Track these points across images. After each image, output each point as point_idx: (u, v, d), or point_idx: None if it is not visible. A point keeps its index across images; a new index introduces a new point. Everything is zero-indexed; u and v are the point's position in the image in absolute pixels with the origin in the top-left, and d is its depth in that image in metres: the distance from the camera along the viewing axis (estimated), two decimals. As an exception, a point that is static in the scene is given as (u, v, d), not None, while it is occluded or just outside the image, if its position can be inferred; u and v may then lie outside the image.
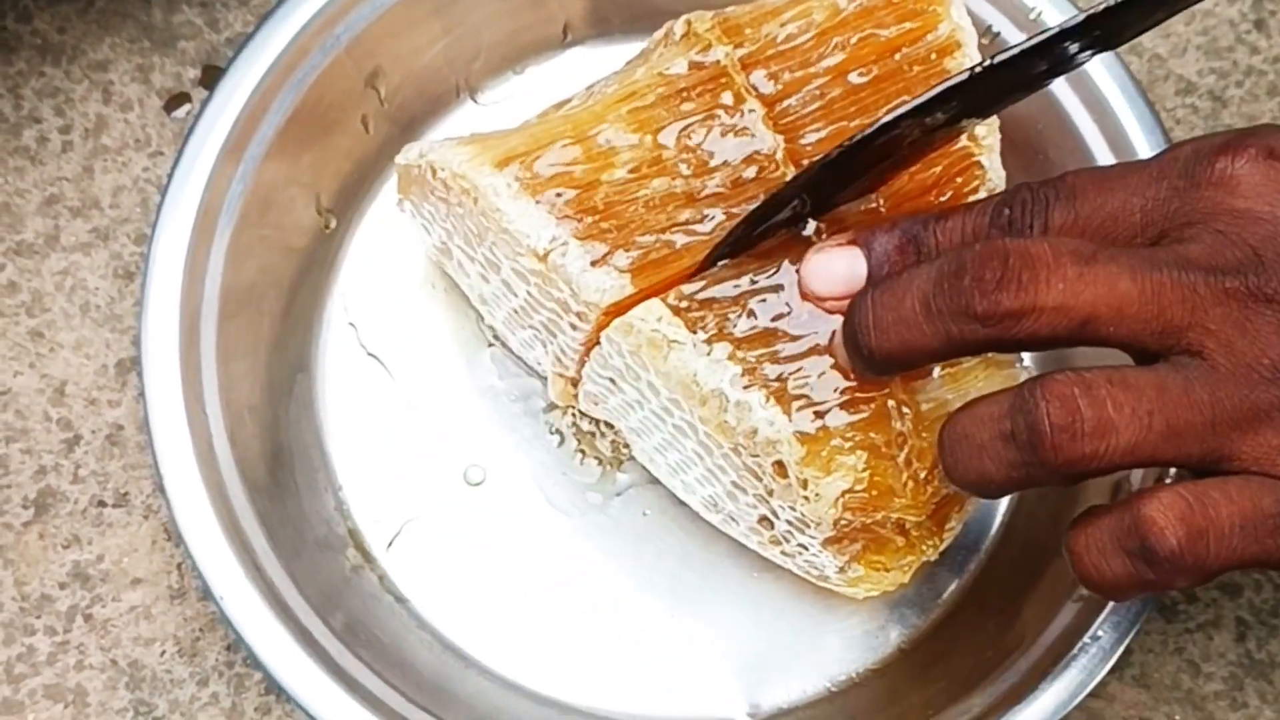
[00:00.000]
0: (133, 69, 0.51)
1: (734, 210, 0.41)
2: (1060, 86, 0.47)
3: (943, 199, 0.43)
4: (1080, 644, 0.44)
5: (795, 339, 0.40)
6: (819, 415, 0.39)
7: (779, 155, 0.42)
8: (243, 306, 0.47)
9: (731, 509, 0.43)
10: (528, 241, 0.40)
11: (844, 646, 0.48)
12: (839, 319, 0.39)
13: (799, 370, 0.39)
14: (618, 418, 0.45)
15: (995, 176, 0.44)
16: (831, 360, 0.40)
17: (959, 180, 0.43)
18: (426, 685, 0.46)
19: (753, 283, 0.41)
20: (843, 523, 0.40)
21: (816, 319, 0.40)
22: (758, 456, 0.40)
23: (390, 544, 0.49)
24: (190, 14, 0.51)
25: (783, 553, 0.43)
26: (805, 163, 0.42)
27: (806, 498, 0.39)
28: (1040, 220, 0.37)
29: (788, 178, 0.42)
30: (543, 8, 0.51)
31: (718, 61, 0.42)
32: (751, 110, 0.42)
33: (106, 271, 0.50)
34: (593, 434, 0.49)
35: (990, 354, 0.41)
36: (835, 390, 0.39)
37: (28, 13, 0.51)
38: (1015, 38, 0.48)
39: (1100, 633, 0.44)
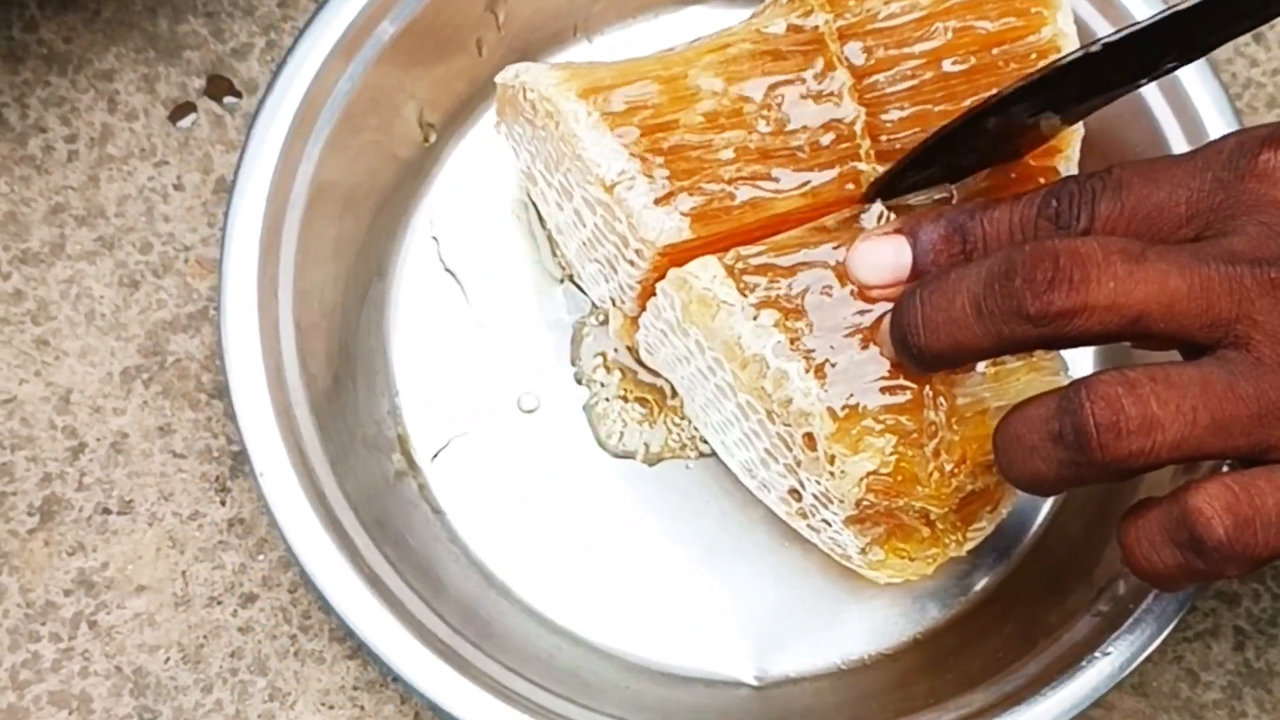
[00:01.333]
0: (138, 79, 0.51)
1: (803, 170, 0.42)
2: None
3: None
4: (1090, 658, 0.44)
5: (842, 317, 0.40)
6: (854, 394, 0.40)
7: (858, 126, 0.42)
8: (331, 203, 0.48)
9: (765, 476, 0.44)
10: (598, 171, 0.41)
11: (861, 628, 0.49)
12: (885, 303, 0.40)
13: (841, 348, 0.40)
14: (669, 369, 0.46)
15: None
16: (871, 338, 0.40)
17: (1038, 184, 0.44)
18: (447, 595, 0.47)
19: (810, 256, 0.41)
20: (865, 503, 0.40)
21: (864, 301, 0.40)
22: (790, 426, 0.40)
23: (435, 455, 0.50)
24: (196, 24, 0.51)
25: (809, 526, 0.44)
26: (884, 138, 0.43)
27: (832, 473, 0.40)
28: (1087, 212, 0.37)
29: (862, 149, 0.42)
30: None
31: (815, 27, 0.43)
32: (839, 79, 0.42)
33: (111, 280, 0.50)
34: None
35: (1035, 354, 0.41)
36: (874, 372, 0.40)
37: (34, 22, 0.51)
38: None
39: (1111, 649, 0.44)
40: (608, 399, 0.50)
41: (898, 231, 0.40)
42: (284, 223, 0.47)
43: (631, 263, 0.42)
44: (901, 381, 0.40)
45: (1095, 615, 0.45)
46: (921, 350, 0.37)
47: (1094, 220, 0.37)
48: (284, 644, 0.48)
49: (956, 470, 0.40)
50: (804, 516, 0.44)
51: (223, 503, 0.49)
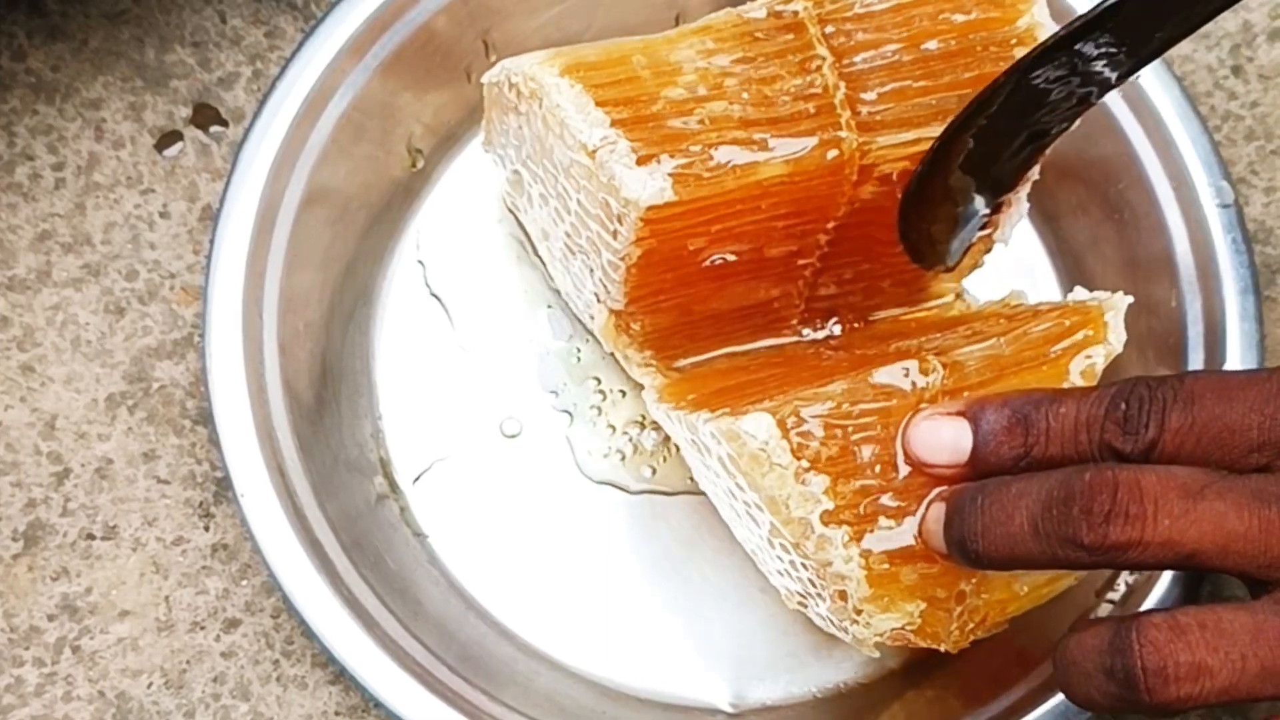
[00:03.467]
0: (125, 107, 0.51)
1: (784, 137, 0.42)
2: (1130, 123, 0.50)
3: None
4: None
5: (893, 479, 0.41)
6: (892, 561, 0.40)
7: (838, 98, 0.42)
8: (317, 226, 0.49)
9: (771, 567, 0.44)
10: (580, 136, 0.41)
11: (838, 658, 0.49)
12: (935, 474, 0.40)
13: (890, 511, 0.40)
14: (683, 445, 0.46)
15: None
16: (915, 509, 0.40)
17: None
18: (426, 618, 0.48)
19: (865, 409, 0.41)
20: (878, 641, 0.41)
21: (918, 472, 0.41)
22: (825, 580, 0.41)
23: (418, 479, 0.51)
24: (183, 54, 0.52)
25: (799, 603, 0.44)
26: (864, 110, 0.43)
27: (856, 620, 0.40)
28: (1156, 421, 0.37)
29: (843, 119, 0.42)
30: None
31: (795, 12, 0.43)
32: (821, 57, 0.43)
33: (97, 307, 0.50)
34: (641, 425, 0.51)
35: None
36: (914, 540, 0.40)
37: (22, 51, 0.52)
38: (1111, 95, 0.48)
39: None
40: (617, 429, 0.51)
41: (960, 414, 0.40)
42: (269, 246, 0.48)
43: (615, 233, 0.42)
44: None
45: None
46: (979, 556, 0.38)
47: (1163, 431, 0.37)
48: (267, 669, 0.49)
49: (976, 630, 0.41)
50: (800, 602, 0.44)
51: (206, 528, 0.49)
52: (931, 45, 0.43)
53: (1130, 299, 0.44)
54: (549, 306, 0.52)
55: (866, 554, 0.40)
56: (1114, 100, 0.49)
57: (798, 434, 0.40)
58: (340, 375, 0.51)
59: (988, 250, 0.47)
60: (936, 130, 0.43)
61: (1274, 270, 0.52)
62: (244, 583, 0.49)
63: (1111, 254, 0.51)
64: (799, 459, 0.40)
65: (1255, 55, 0.53)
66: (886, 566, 0.40)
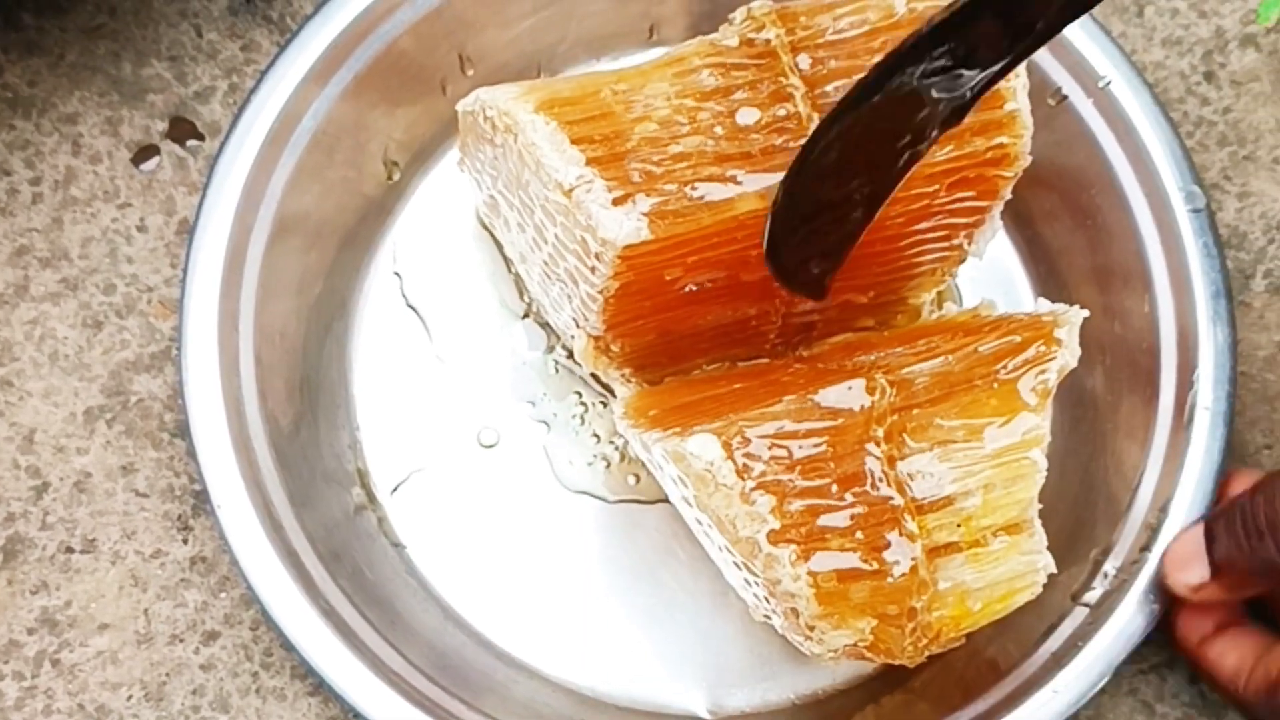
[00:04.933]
0: (102, 122, 0.52)
1: (759, 172, 0.42)
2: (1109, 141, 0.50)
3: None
4: (1038, 690, 0.45)
5: (839, 498, 0.41)
6: (843, 579, 0.40)
7: (811, 128, 0.42)
8: (294, 238, 0.49)
9: (728, 571, 0.45)
10: (556, 176, 0.41)
11: (815, 666, 0.50)
12: (880, 480, 0.41)
13: (835, 530, 0.40)
14: (645, 460, 0.46)
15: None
16: (864, 527, 0.41)
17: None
18: (404, 627, 0.48)
19: (811, 433, 0.41)
20: (833, 655, 0.41)
21: (863, 484, 0.41)
22: (776, 597, 0.41)
23: (395, 489, 0.51)
24: (159, 68, 0.52)
25: (765, 615, 0.44)
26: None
27: (809, 637, 0.41)
28: None
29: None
30: (635, 4, 0.52)
31: (768, 40, 0.43)
32: (793, 86, 0.43)
33: (75, 321, 0.50)
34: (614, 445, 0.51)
35: (1012, 531, 0.42)
36: (864, 557, 0.40)
37: (-1, 66, 0.52)
38: (1082, 102, 0.50)
39: (1058, 689, 0.45)
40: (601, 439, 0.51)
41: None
42: (246, 258, 0.48)
43: (593, 269, 0.42)
44: (891, 567, 0.41)
45: (1045, 653, 0.46)
46: None
47: None
48: (246, 681, 0.49)
49: (930, 645, 0.41)
50: (766, 615, 0.44)
51: (185, 541, 0.49)
52: None
53: (1086, 313, 0.44)
54: (525, 318, 0.52)
55: (814, 573, 0.40)
56: (1085, 107, 0.49)
57: (743, 454, 0.41)
58: (318, 387, 0.51)
59: (961, 261, 0.47)
60: None
61: (1247, 275, 0.53)
62: (222, 595, 0.49)
63: (1083, 261, 0.51)
64: (744, 479, 0.40)
65: (1227, 61, 0.54)
66: (835, 584, 0.40)
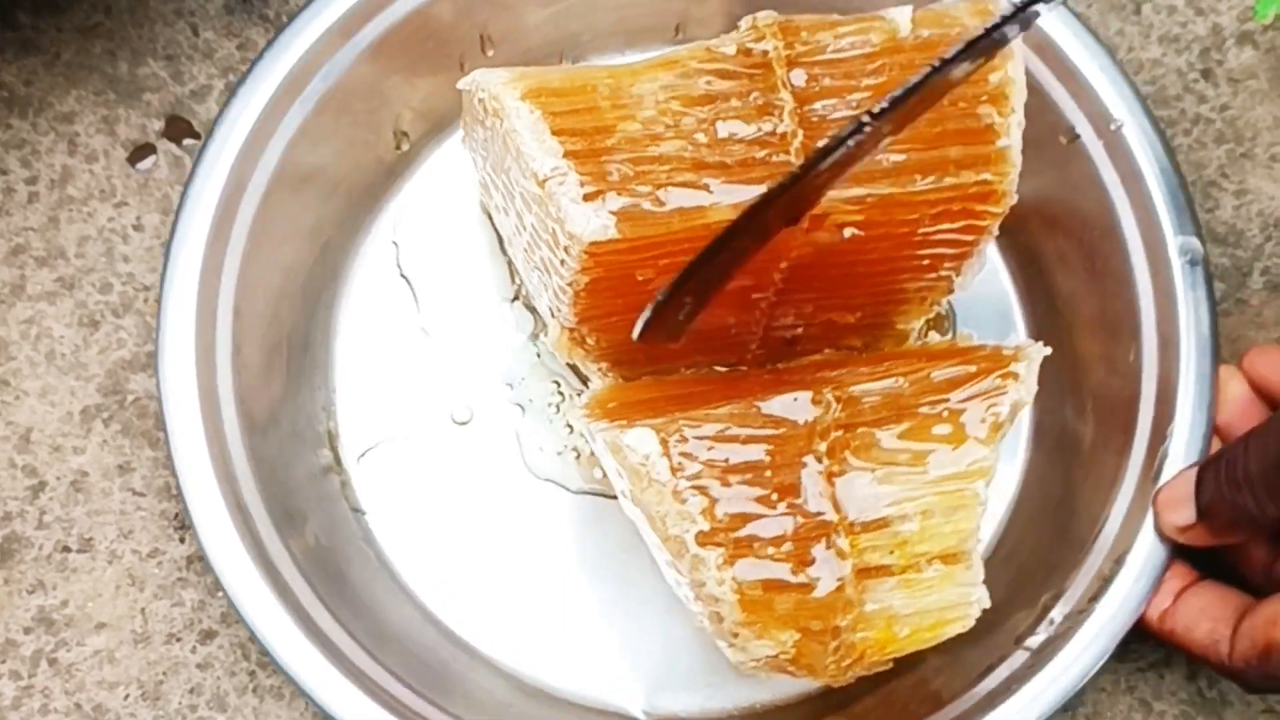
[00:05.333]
0: (98, 121, 0.52)
1: (734, 183, 0.42)
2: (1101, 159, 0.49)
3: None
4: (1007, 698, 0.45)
5: (772, 507, 0.41)
6: (767, 588, 0.40)
7: (794, 145, 0.42)
8: (294, 191, 0.49)
9: (665, 570, 0.45)
10: (533, 164, 0.41)
11: (761, 680, 0.49)
12: (816, 495, 0.41)
13: (764, 539, 0.40)
14: (596, 454, 0.46)
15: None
16: (794, 539, 0.40)
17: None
18: (347, 591, 0.48)
19: (752, 439, 0.41)
20: (755, 665, 0.41)
21: (798, 496, 0.41)
22: (702, 600, 0.41)
23: (363, 455, 0.51)
24: (155, 67, 0.52)
25: (700, 620, 0.44)
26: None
27: (733, 645, 0.41)
28: None
29: (794, 167, 0.41)
30: (673, 1, 0.52)
31: (765, 51, 0.43)
32: (781, 99, 0.42)
33: (71, 320, 0.50)
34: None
35: (948, 561, 0.42)
36: (791, 569, 0.40)
37: (-5, 65, 0.52)
38: (1094, 143, 0.49)
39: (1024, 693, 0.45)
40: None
41: None
42: (239, 208, 0.48)
43: (562, 261, 0.42)
44: (816, 582, 0.40)
45: (981, 691, 0.46)
46: None
47: None
48: (243, 680, 0.49)
49: (854, 666, 0.41)
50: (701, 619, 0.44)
51: (182, 540, 0.49)
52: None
53: (1047, 350, 0.43)
54: (515, 300, 0.52)
55: (739, 580, 0.40)
56: (1095, 148, 0.49)
57: (680, 453, 0.40)
58: (298, 345, 0.51)
59: (949, 293, 0.47)
60: (888, 188, 0.42)
61: (1244, 273, 0.53)
62: (219, 594, 0.49)
63: (1087, 308, 0.51)
64: (677, 477, 0.40)
65: (1225, 59, 0.54)
66: (760, 593, 0.40)
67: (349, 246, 0.52)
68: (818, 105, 0.43)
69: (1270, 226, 0.53)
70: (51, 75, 0.52)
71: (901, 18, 0.43)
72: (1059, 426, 0.51)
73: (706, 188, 0.41)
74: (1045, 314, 0.52)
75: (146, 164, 0.52)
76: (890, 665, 0.42)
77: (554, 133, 0.41)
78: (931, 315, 0.48)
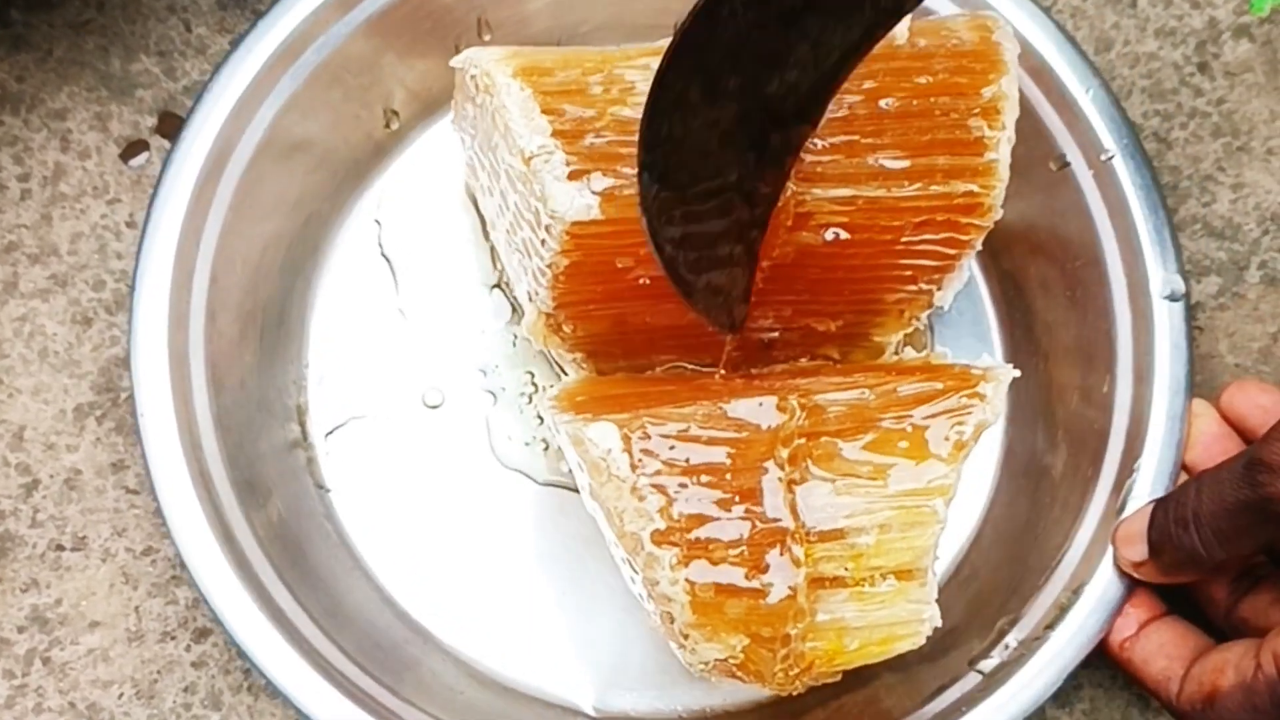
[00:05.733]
0: (91, 117, 0.51)
1: None
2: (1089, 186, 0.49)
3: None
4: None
5: (729, 511, 0.40)
6: (719, 592, 0.40)
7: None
8: (278, 163, 0.49)
9: (621, 566, 0.44)
10: (520, 142, 0.41)
11: (713, 683, 0.48)
12: (775, 501, 0.41)
13: (720, 542, 0.40)
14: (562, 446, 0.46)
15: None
16: (750, 544, 0.40)
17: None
18: (306, 567, 0.48)
19: (714, 441, 0.41)
20: (705, 668, 0.41)
21: (757, 501, 0.41)
22: (655, 599, 0.41)
23: (331, 433, 0.51)
24: (148, 63, 0.52)
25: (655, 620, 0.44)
26: (807, 158, 0.42)
27: (683, 646, 0.40)
28: None
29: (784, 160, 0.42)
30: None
31: None
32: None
33: (65, 318, 0.50)
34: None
35: (903, 577, 0.42)
36: (745, 574, 0.40)
37: (-13, 62, 0.52)
38: (1084, 173, 0.49)
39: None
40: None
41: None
42: (222, 177, 0.47)
43: (544, 242, 0.42)
44: (768, 588, 0.40)
45: (930, 712, 0.46)
46: None
47: None
48: (237, 678, 0.49)
49: (803, 675, 0.41)
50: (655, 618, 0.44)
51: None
52: (889, 103, 0.43)
53: (1016, 373, 0.43)
54: (495, 287, 0.52)
55: (692, 581, 0.40)
56: (1085, 178, 0.49)
57: (641, 449, 0.40)
58: (274, 318, 0.50)
59: (928, 307, 0.47)
60: (874, 190, 0.42)
61: (1241, 267, 0.52)
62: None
63: (1066, 336, 0.50)
64: (637, 473, 0.40)
65: (1221, 52, 0.53)
66: (712, 596, 0.40)
67: (332, 222, 0.52)
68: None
69: (1267, 220, 0.53)
70: (44, 72, 0.51)
71: (900, 26, 0.43)
72: (1029, 453, 0.51)
73: None
74: (1023, 339, 0.52)
75: (139, 160, 0.51)
76: (839, 677, 0.42)
77: (543, 111, 0.41)
78: (909, 330, 0.48)
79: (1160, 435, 0.47)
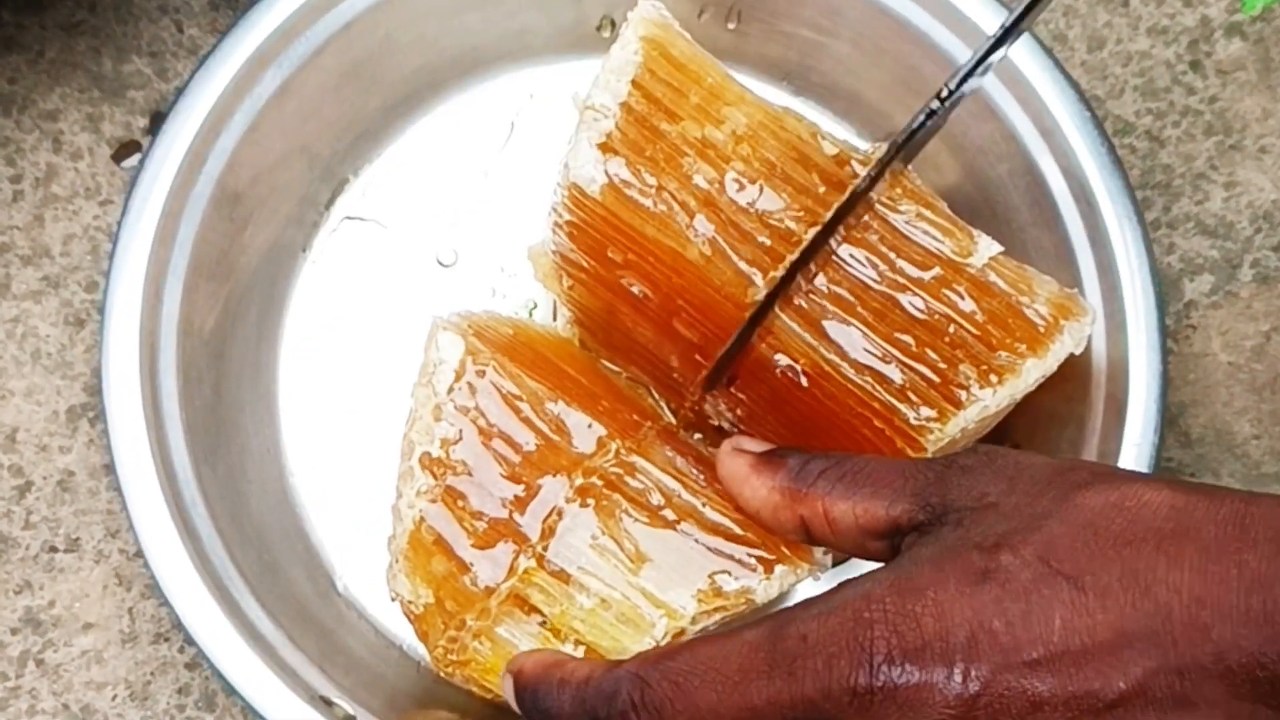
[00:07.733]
0: (82, 118, 0.51)
1: (720, 240, 0.41)
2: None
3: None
4: None
5: (498, 487, 0.41)
6: (438, 544, 0.41)
7: (792, 256, 0.41)
8: (285, 115, 0.48)
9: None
10: (595, 91, 0.42)
11: None
12: (538, 510, 0.41)
13: (470, 505, 0.41)
14: None
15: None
16: (491, 525, 0.41)
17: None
18: (247, 518, 0.47)
19: (534, 428, 0.42)
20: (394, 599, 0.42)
21: (528, 497, 0.41)
22: (394, 511, 0.42)
23: (305, 414, 0.50)
24: (140, 64, 0.52)
25: None
26: (804, 285, 0.42)
27: (391, 569, 0.42)
28: None
29: (778, 270, 0.41)
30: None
31: (855, 174, 0.42)
32: (823, 219, 0.41)
33: (57, 319, 0.50)
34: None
35: (590, 653, 0.41)
36: (469, 544, 0.41)
37: (-21, 63, 0.52)
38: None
39: None
40: None
41: None
42: (221, 132, 0.46)
43: (559, 185, 0.43)
44: (475, 570, 0.41)
45: None
46: None
47: None
48: (231, 679, 0.49)
49: (457, 666, 0.41)
50: None
51: (169, 539, 0.49)
52: (912, 303, 0.42)
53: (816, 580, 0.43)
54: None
55: (424, 517, 0.40)
56: (1072, 219, 0.47)
57: (469, 381, 0.41)
58: (258, 299, 0.50)
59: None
60: (832, 356, 0.41)
61: (1234, 265, 0.52)
62: (208, 593, 0.49)
63: None
64: (450, 396, 0.41)
65: (1213, 50, 0.53)
66: (430, 542, 0.40)
67: (315, 222, 0.51)
68: (844, 252, 0.42)
69: (1260, 218, 0.53)
70: (35, 73, 0.51)
71: (985, 249, 0.42)
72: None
73: (699, 229, 0.42)
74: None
75: (132, 161, 0.51)
76: (490, 695, 0.41)
77: (634, 82, 0.42)
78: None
79: None
